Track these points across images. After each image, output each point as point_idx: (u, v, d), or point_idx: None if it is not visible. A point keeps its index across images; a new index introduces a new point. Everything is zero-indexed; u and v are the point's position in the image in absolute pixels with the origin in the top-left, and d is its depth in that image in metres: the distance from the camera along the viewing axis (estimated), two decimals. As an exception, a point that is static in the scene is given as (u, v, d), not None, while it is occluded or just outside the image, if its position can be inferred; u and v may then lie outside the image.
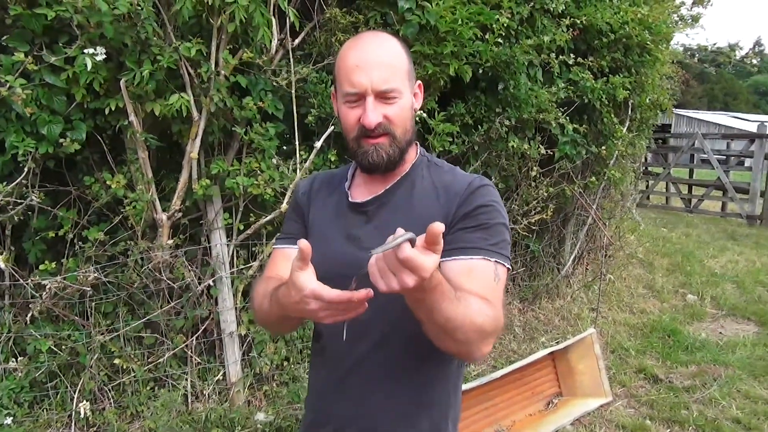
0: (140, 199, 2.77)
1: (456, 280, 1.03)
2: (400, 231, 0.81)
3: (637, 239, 7.10)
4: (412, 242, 0.81)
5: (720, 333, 4.69)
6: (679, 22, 9.56)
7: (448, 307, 0.91)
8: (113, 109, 2.62)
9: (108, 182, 2.75)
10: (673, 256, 6.85)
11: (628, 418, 3.32)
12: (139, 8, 2.46)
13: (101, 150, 2.81)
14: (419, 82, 1.24)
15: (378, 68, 1.10)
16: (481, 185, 1.17)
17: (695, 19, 10.34)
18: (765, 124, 9.67)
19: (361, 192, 1.26)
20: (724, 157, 10.48)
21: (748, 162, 10.15)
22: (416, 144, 1.28)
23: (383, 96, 1.11)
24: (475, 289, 1.03)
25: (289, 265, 1.29)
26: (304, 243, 0.90)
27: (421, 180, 1.23)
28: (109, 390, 2.85)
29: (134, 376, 2.87)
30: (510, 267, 1.14)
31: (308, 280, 0.91)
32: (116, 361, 2.85)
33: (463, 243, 1.11)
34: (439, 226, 0.78)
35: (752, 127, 19.71)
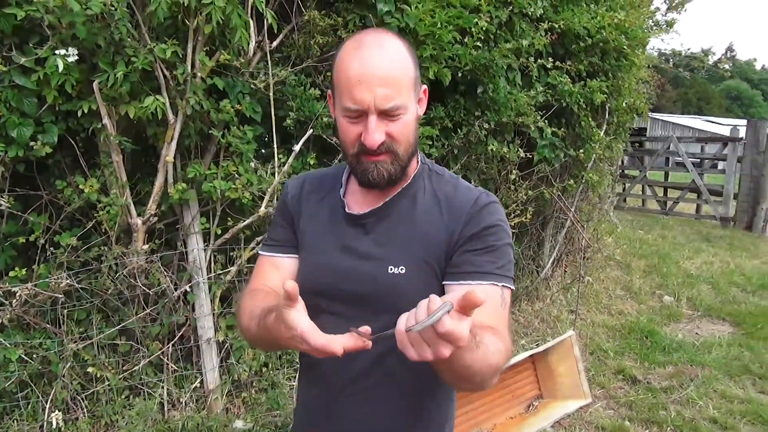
0: (114, 204, 2.71)
1: None
2: (435, 300, 0.76)
3: (615, 241, 7.18)
4: (449, 311, 0.76)
5: (696, 333, 4.76)
6: (654, 28, 9.75)
7: (469, 356, 0.87)
8: (86, 111, 2.56)
9: (81, 186, 2.69)
10: (649, 257, 6.94)
11: (607, 420, 3.34)
12: (113, 8, 2.40)
13: (74, 153, 2.75)
14: (424, 86, 1.16)
15: (383, 84, 1.01)
16: (488, 203, 1.12)
17: (670, 24, 10.55)
18: (738, 128, 9.87)
19: (357, 201, 1.19)
20: (699, 160, 10.68)
21: (721, 165, 10.33)
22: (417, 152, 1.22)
23: (387, 113, 1.03)
24: (483, 317, 0.99)
25: (278, 275, 1.24)
26: (290, 285, 0.84)
27: (422, 192, 1.17)
28: (82, 399, 2.78)
29: (108, 385, 2.81)
30: (514, 288, 1.12)
31: (298, 319, 0.87)
32: (90, 369, 2.78)
33: (471, 267, 1.08)
34: (479, 296, 0.72)
35: (725, 131, 20.12)
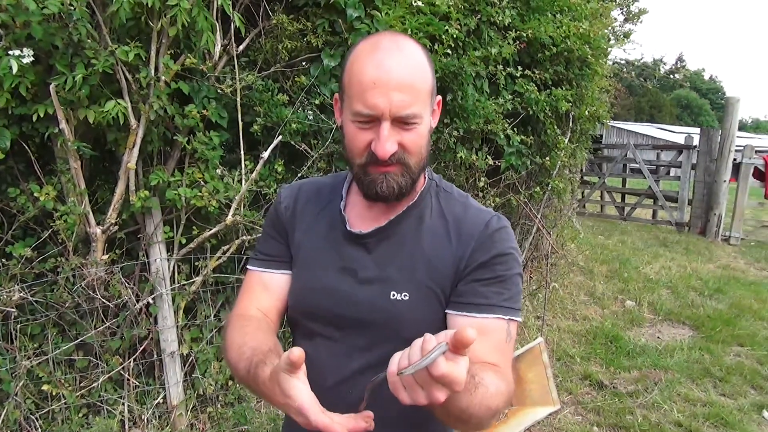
0: (72, 212, 2.59)
1: None
2: (430, 340, 0.70)
3: (577, 247, 7.30)
4: (444, 352, 0.70)
5: (658, 338, 4.86)
6: (611, 39, 10.00)
7: (466, 399, 0.80)
8: (41, 115, 2.43)
9: (36, 194, 2.56)
10: (610, 263, 7.07)
11: (576, 426, 3.36)
12: (72, 8, 2.29)
13: (27, 159, 2.61)
14: (439, 97, 1.06)
15: (400, 89, 0.92)
16: (500, 228, 1.04)
17: (626, 35, 10.85)
18: (692, 136, 10.19)
19: (359, 217, 1.09)
20: (654, 167, 10.97)
21: (676, 171, 10.65)
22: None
23: (401, 121, 0.95)
24: (485, 352, 0.94)
25: (267, 295, 1.14)
26: (296, 354, 0.75)
27: (430, 211, 1.08)
28: (36, 419, 2.63)
29: (65, 403, 2.66)
30: (520, 320, 1.04)
31: (298, 389, 0.79)
32: (44, 387, 2.63)
33: (477, 298, 1.00)
34: (471, 335, 0.66)
35: (677, 138, 20.81)
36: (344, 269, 1.05)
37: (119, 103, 2.48)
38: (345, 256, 1.06)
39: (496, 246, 1.02)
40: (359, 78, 0.94)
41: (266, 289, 1.13)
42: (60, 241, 2.67)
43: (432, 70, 1.01)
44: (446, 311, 1.02)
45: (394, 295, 1.01)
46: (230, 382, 3.09)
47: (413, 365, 0.69)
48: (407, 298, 1.01)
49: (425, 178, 1.11)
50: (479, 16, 3.78)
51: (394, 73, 0.93)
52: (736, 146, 9.34)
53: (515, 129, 4.08)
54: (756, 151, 9.61)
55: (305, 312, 1.09)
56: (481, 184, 4.03)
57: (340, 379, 1.03)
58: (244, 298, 1.13)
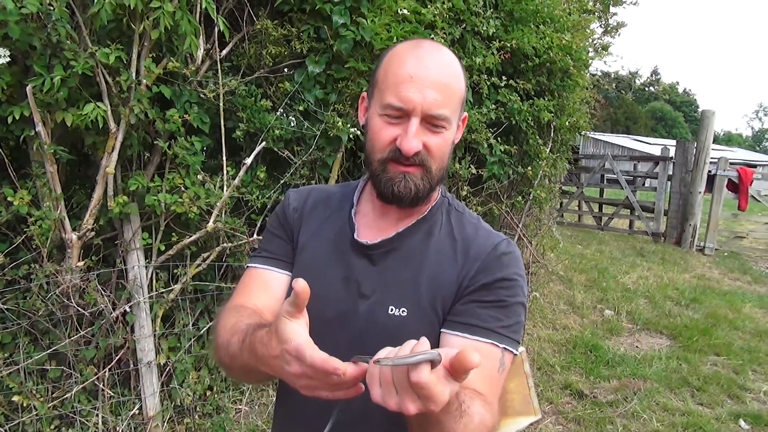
0: (47, 217, 2.51)
1: None
2: (424, 344, 0.65)
3: (557, 256, 7.35)
4: (434, 363, 0.64)
5: (636, 347, 4.90)
6: (591, 51, 10.15)
7: (449, 425, 0.75)
8: (17, 117, 2.36)
9: (9, 198, 2.47)
10: (589, 272, 7.14)
11: (557, 436, 3.36)
12: (51, 8, 2.23)
13: (1, 162, 2.53)
14: (465, 114, 1.06)
15: (435, 87, 0.92)
16: (507, 252, 1.01)
17: (605, 47, 11.02)
18: (668, 147, 10.37)
19: (368, 226, 1.07)
20: (632, 177, 11.13)
21: (653, 182, 10.82)
22: None
23: (431, 121, 0.93)
24: (475, 379, 0.87)
25: (266, 293, 1.10)
26: (301, 285, 0.71)
27: (439, 228, 1.05)
28: (6, 431, 2.54)
29: (36, 415, 2.57)
30: (517, 354, 0.99)
31: (296, 331, 0.72)
32: (15, 398, 2.54)
33: (473, 319, 0.95)
34: (474, 360, 0.61)
35: (652, 149, 21.18)
36: (348, 279, 1.02)
37: (98, 106, 2.42)
38: (350, 266, 1.03)
39: (502, 270, 0.98)
40: (396, 71, 0.94)
41: (266, 288, 1.09)
42: (34, 246, 2.59)
43: (465, 83, 1.00)
44: (441, 330, 0.98)
45: (392, 309, 0.98)
46: (208, 393, 3.03)
47: (394, 359, 0.64)
48: (405, 314, 0.98)
49: (439, 194, 1.09)
50: (464, 25, 3.80)
51: (432, 70, 0.93)
52: (711, 158, 9.53)
53: (498, 138, 4.09)
54: (730, 164, 9.81)
55: None
56: (464, 193, 4.03)
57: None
58: (241, 293, 1.09)
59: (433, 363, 0.63)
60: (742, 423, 3.62)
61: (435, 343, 0.97)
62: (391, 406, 0.66)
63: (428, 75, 0.92)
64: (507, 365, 0.96)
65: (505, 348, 0.95)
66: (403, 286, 1.00)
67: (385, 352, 0.68)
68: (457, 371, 0.63)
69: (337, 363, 0.69)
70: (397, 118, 0.94)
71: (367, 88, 1.04)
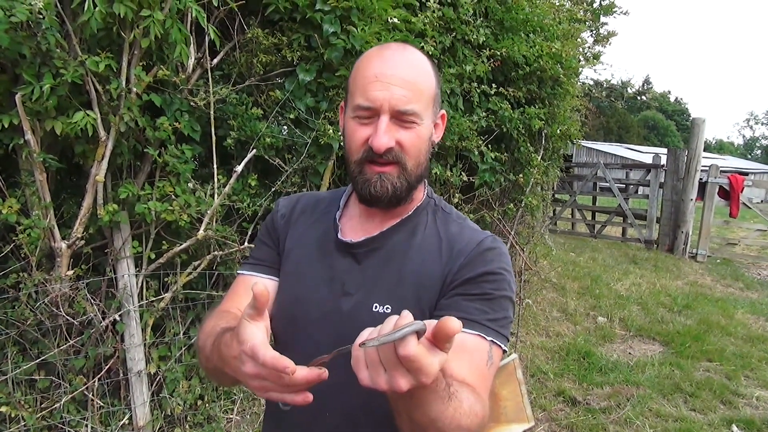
0: (36, 226, 2.50)
1: None
2: (407, 317, 0.63)
3: (550, 264, 7.36)
4: (420, 334, 0.62)
5: (629, 353, 4.91)
6: (582, 60, 10.24)
7: (438, 407, 0.73)
8: (6, 126, 2.35)
9: (-2, 207, 2.46)
10: (582, 279, 7.15)
11: (550, 443, 3.35)
12: (41, 17, 2.23)
13: (-10, 171, 2.53)
14: (443, 111, 1.07)
15: (401, 85, 0.94)
16: (492, 247, 1.01)
17: (596, 56, 11.11)
18: (659, 155, 10.44)
19: (353, 228, 1.08)
20: (624, 185, 11.18)
21: (645, 190, 10.87)
22: (425, 183, 1.12)
23: (400, 118, 0.95)
24: (463, 371, 0.88)
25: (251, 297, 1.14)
26: (259, 288, 0.72)
27: (423, 228, 1.06)
28: (-7, 442, 2.51)
29: (25, 425, 2.55)
30: (507, 349, 0.97)
31: (253, 333, 0.73)
32: (3, 408, 2.52)
33: (458, 312, 0.93)
34: (454, 324, 0.60)
35: (644, 158, 21.30)
36: (332, 279, 1.03)
37: (88, 115, 2.42)
38: (334, 267, 1.04)
39: (486, 264, 0.98)
40: (363, 73, 0.97)
41: (250, 293, 1.09)
42: (23, 255, 2.57)
43: (437, 80, 1.02)
44: None
45: (376, 307, 0.98)
46: (199, 402, 3.01)
47: (379, 338, 0.62)
48: (389, 311, 0.98)
49: (424, 194, 1.11)
50: (454, 34, 3.83)
51: (397, 69, 0.95)
52: (702, 166, 9.59)
53: (489, 146, 4.11)
54: (721, 171, 9.88)
55: (288, 321, 1.05)
56: (456, 200, 4.04)
57: (320, 395, 1.00)
58: (227, 299, 1.11)
59: (419, 334, 0.62)
60: (734, 428, 3.62)
61: None
62: (382, 386, 0.65)
63: (394, 73, 0.94)
64: (496, 359, 0.95)
65: (492, 341, 0.94)
66: (387, 283, 1.00)
67: (367, 333, 0.67)
68: (440, 340, 0.62)
69: (287, 362, 0.68)
70: (367, 119, 0.96)
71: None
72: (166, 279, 2.94)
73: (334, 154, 3.18)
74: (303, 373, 0.70)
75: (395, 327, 0.62)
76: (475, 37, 3.95)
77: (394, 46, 1.00)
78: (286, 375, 0.69)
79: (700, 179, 9.55)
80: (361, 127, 0.97)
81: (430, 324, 0.62)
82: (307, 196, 1.21)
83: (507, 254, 1.03)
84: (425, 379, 0.62)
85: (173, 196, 2.76)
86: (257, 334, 0.73)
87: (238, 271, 1.16)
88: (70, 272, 2.63)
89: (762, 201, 21.41)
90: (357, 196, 1.05)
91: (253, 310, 0.74)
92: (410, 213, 1.07)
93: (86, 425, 2.70)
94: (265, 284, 0.71)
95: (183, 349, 2.97)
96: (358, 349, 0.66)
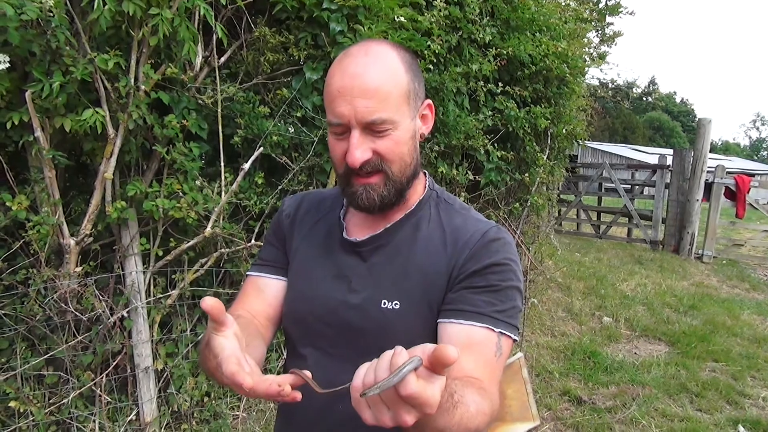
0: (45, 223, 2.52)
1: None
2: (401, 354, 0.62)
3: (555, 264, 7.35)
4: (417, 368, 0.61)
5: (635, 353, 4.89)
6: (587, 60, 10.23)
7: (444, 418, 0.72)
8: (16, 123, 2.37)
9: (8, 203, 2.48)
10: (587, 279, 7.14)
11: (555, 442, 3.35)
12: (51, 15, 2.25)
13: (0, 168, 2.54)
14: (428, 101, 1.03)
15: (363, 95, 0.90)
16: (497, 238, 0.99)
17: (602, 56, 11.08)
18: (666, 156, 10.40)
19: (357, 226, 1.08)
20: (629, 186, 11.16)
21: (650, 191, 10.84)
22: (425, 175, 1.10)
23: (371, 128, 0.92)
24: (471, 365, 0.88)
25: (260, 298, 1.13)
26: (208, 303, 0.72)
27: (427, 222, 1.05)
28: (2, 437, 2.53)
29: (33, 420, 2.57)
30: (516, 339, 0.97)
31: (222, 345, 0.75)
32: (12, 404, 2.53)
33: (466, 305, 0.94)
34: (452, 353, 0.59)
35: (651, 159, 21.22)
36: (338, 277, 1.04)
37: (97, 112, 2.44)
38: (340, 264, 1.05)
39: (491, 255, 0.97)
40: (328, 88, 0.95)
41: (259, 294, 1.12)
42: (32, 252, 2.59)
43: (410, 74, 0.97)
44: (437, 321, 0.97)
45: (384, 303, 0.98)
46: (206, 399, 3.02)
47: (379, 384, 0.60)
48: (398, 307, 0.98)
49: (425, 187, 1.10)
50: (460, 33, 3.83)
51: (357, 79, 0.91)
52: (708, 167, 9.56)
53: (495, 145, 4.12)
54: (727, 172, 9.84)
55: (296, 320, 1.07)
56: (462, 199, 4.05)
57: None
58: (237, 302, 1.13)
59: (416, 369, 0.61)
60: (740, 429, 3.61)
61: (431, 333, 0.97)
62: (387, 424, 0.65)
63: (354, 85, 0.91)
64: (505, 350, 0.94)
65: (501, 332, 0.94)
66: (393, 279, 1.00)
67: (363, 372, 0.66)
68: (437, 367, 0.61)
69: (242, 379, 0.70)
70: (342, 134, 0.95)
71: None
72: (173, 276, 2.96)
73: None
74: (261, 387, 0.71)
75: (391, 366, 0.62)
76: (481, 36, 3.96)
77: (355, 51, 0.95)
78: (243, 390, 0.70)
79: (706, 180, 9.52)
80: (338, 142, 0.96)
81: (425, 351, 0.61)
82: (311, 194, 1.21)
83: (512, 243, 1.02)
84: (430, 411, 0.62)
85: (181, 194, 2.78)
86: (225, 347, 0.75)
87: (247, 272, 1.17)
88: (79, 269, 2.65)
89: (768, 202, 21.28)
90: (350, 206, 1.06)
91: (214, 324, 0.76)
92: (413, 207, 1.07)
93: (94, 421, 2.71)
94: (213, 300, 0.72)
95: (190, 346, 2.99)
96: (358, 397, 0.65)
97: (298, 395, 0.75)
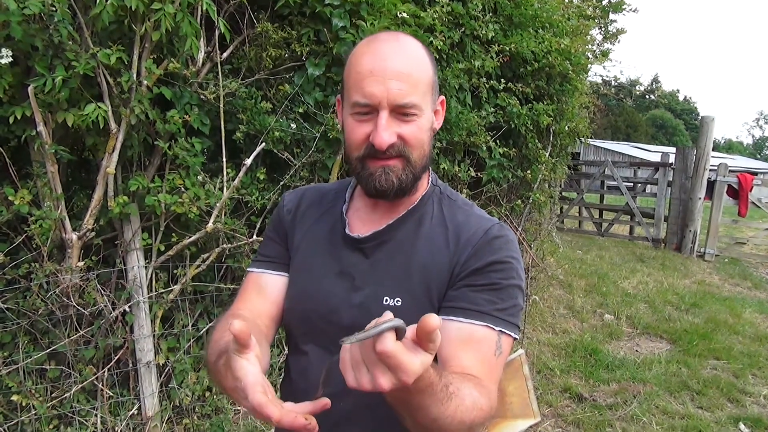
0: (47, 217, 2.52)
1: (450, 348, 0.90)
2: (387, 314, 0.64)
3: (557, 261, 7.35)
4: (400, 332, 0.62)
5: (636, 351, 4.89)
6: (590, 57, 10.21)
7: (437, 408, 0.73)
8: (18, 117, 2.38)
9: (10, 198, 2.49)
10: (589, 277, 7.13)
11: (556, 439, 3.35)
12: (53, 9, 2.26)
13: (2, 162, 2.55)
14: (442, 97, 1.04)
15: (397, 78, 0.90)
16: (499, 235, 0.99)
17: (605, 54, 11.06)
18: (668, 154, 10.38)
19: (360, 221, 1.07)
20: (632, 183, 11.13)
21: (653, 188, 10.81)
22: (429, 170, 1.09)
23: (400, 112, 0.92)
24: (470, 363, 0.89)
25: (262, 296, 1.13)
26: (237, 327, 0.69)
27: (430, 217, 1.04)
28: (4, 431, 2.54)
29: (35, 414, 2.58)
30: (517, 337, 0.97)
31: (245, 369, 0.72)
32: (14, 397, 2.55)
33: (466, 303, 0.94)
34: (434, 320, 0.60)
35: (653, 157, 21.17)
36: (341, 274, 1.03)
37: (100, 107, 2.44)
38: (343, 261, 1.04)
39: (493, 253, 0.97)
40: (357, 68, 0.93)
41: (261, 292, 1.10)
42: (34, 246, 2.60)
43: (433, 67, 0.99)
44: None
45: (386, 300, 0.98)
46: (207, 393, 3.03)
47: (358, 334, 0.62)
48: (399, 303, 0.98)
49: (428, 183, 1.09)
50: (463, 29, 3.83)
51: (390, 61, 0.91)
52: (711, 165, 9.54)
53: (497, 142, 4.11)
54: (729, 170, 9.82)
55: (298, 317, 1.06)
56: (463, 196, 4.04)
57: (332, 391, 1.00)
58: (238, 300, 1.11)
59: (398, 332, 0.62)
60: (742, 426, 3.61)
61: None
62: (365, 385, 0.65)
63: (387, 66, 0.91)
64: (505, 349, 0.94)
65: (501, 331, 0.94)
66: (396, 276, 1.00)
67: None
68: (422, 338, 0.62)
69: (271, 411, 0.68)
70: (366, 115, 0.94)
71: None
72: (175, 271, 2.97)
73: (342, 148, 3.19)
74: (288, 419, 0.70)
75: (376, 324, 0.63)
76: (483, 32, 3.95)
77: (385, 36, 0.97)
78: (268, 419, 0.69)
79: (709, 178, 9.49)
80: (360, 124, 0.95)
81: (411, 327, 0.63)
82: (312, 189, 1.20)
83: (515, 241, 1.02)
84: (406, 378, 0.62)
85: (183, 189, 2.78)
86: (249, 372, 0.72)
87: (248, 269, 1.16)
88: (81, 263, 2.65)
89: (771, 201, 21.23)
90: (364, 190, 1.04)
91: (238, 346, 0.73)
92: (416, 203, 1.06)
93: (96, 415, 2.72)
94: (240, 324, 0.70)
95: (191, 340, 2.99)
96: (345, 351, 0.66)
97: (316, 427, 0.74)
